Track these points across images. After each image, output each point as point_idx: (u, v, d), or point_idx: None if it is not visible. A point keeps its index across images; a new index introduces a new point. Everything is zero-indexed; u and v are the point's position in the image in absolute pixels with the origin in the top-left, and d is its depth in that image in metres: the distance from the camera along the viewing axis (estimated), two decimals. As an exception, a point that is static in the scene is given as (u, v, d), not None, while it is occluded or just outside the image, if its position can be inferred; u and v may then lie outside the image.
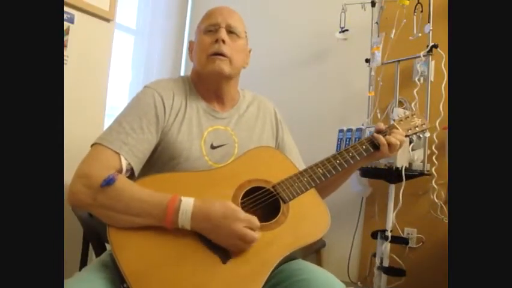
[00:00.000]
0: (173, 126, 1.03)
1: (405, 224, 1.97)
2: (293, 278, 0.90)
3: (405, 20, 1.83)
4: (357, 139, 1.80)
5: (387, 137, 1.11)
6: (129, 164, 0.95)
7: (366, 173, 1.84)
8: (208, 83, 1.11)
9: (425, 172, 1.73)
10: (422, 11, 1.79)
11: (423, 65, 1.83)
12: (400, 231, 1.90)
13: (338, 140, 1.91)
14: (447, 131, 1.74)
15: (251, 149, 1.07)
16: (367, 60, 2.00)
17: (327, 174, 1.04)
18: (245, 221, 0.86)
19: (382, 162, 1.70)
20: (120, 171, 0.93)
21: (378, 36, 1.93)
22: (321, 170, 1.04)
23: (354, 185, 1.99)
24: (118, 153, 0.93)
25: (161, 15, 2.37)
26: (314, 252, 2.11)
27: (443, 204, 1.81)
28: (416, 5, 1.80)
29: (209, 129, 1.08)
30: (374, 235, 1.81)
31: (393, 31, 1.87)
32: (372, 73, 2.00)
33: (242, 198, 0.96)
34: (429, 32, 1.73)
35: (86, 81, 1.69)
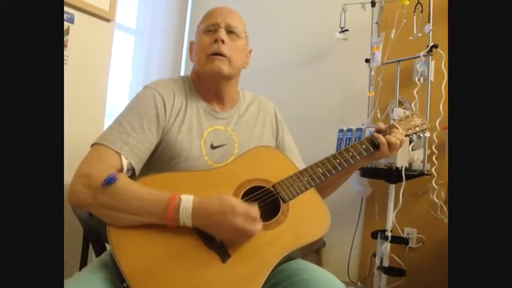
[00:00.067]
0: (173, 126, 1.03)
1: (405, 224, 1.97)
2: (293, 278, 0.90)
3: (405, 20, 1.83)
4: (357, 139, 1.79)
5: (387, 136, 1.11)
6: (130, 163, 0.95)
7: (366, 173, 1.84)
8: (208, 83, 1.11)
9: (425, 172, 1.73)
10: (422, 11, 1.79)
11: (423, 65, 1.83)
12: (400, 231, 1.90)
13: (338, 140, 1.90)
14: (447, 131, 1.74)
15: (251, 149, 1.07)
16: (367, 60, 2.00)
17: (327, 174, 1.04)
18: (244, 215, 0.86)
19: (382, 162, 1.70)
20: (121, 170, 0.93)
21: (378, 36, 1.93)
22: (321, 170, 1.04)
23: (354, 185, 1.99)
24: (119, 153, 0.93)
25: (161, 15, 2.37)
26: (314, 252, 2.11)
27: (443, 204, 1.81)
28: (416, 5, 1.80)
29: (209, 129, 1.08)
30: (374, 235, 1.81)
31: (393, 31, 1.87)
32: (372, 73, 2.00)
33: (242, 198, 0.96)
34: (429, 32, 1.73)
35: (86, 81, 1.69)
